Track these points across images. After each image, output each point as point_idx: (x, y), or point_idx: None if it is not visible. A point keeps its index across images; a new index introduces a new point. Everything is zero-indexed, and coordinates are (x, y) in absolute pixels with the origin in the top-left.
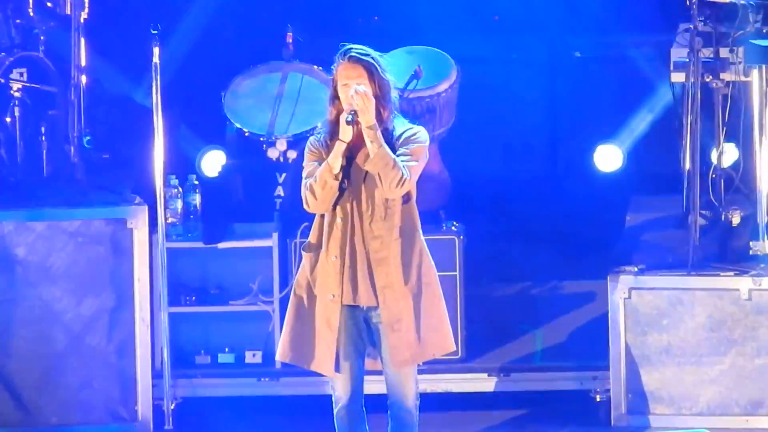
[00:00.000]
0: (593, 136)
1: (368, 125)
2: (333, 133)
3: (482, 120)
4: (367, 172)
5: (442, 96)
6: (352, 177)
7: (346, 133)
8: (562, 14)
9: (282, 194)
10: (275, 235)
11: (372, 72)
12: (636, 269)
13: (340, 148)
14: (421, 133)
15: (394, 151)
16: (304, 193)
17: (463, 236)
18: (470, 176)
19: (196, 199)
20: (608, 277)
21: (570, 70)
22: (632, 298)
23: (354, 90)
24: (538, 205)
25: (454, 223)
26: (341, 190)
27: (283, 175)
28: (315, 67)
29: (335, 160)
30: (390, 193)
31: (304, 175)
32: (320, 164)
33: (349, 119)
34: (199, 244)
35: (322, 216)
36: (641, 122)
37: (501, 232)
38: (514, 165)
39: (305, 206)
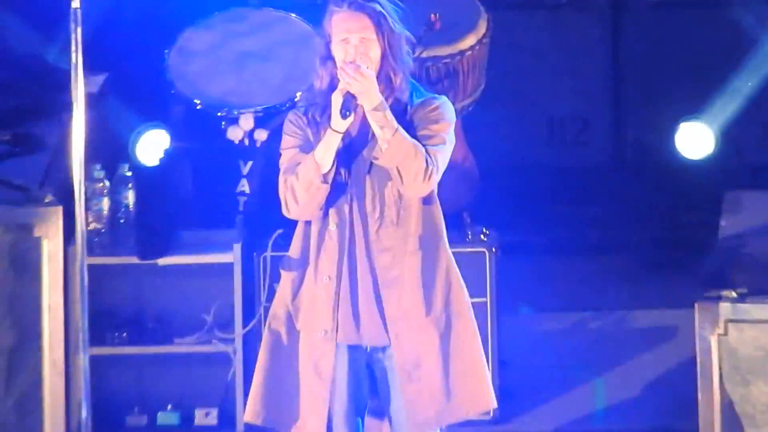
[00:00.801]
0: (674, 111)
1: (373, 107)
2: (324, 105)
3: (522, 88)
4: (371, 164)
5: (466, 55)
6: (351, 166)
7: (339, 122)
8: None
9: (247, 190)
10: (238, 247)
11: (381, 23)
12: (734, 294)
13: (331, 140)
14: (446, 105)
15: (410, 130)
16: (284, 194)
17: (495, 248)
18: (505, 165)
19: (129, 198)
20: (696, 305)
21: (641, 19)
22: (730, 334)
23: (347, 68)
24: (599, 205)
25: (484, 230)
26: (337, 184)
27: (249, 164)
28: (293, 15)
29: (325, 154)
30: (414, 191)
31: (282, 166)
32: (304, 151)
33: (344, 111)
34: (134, 260)
35: (308, 221)
36: (739, 92)
37: (548, 243)
38: (565, 150)
39: (285, 211)
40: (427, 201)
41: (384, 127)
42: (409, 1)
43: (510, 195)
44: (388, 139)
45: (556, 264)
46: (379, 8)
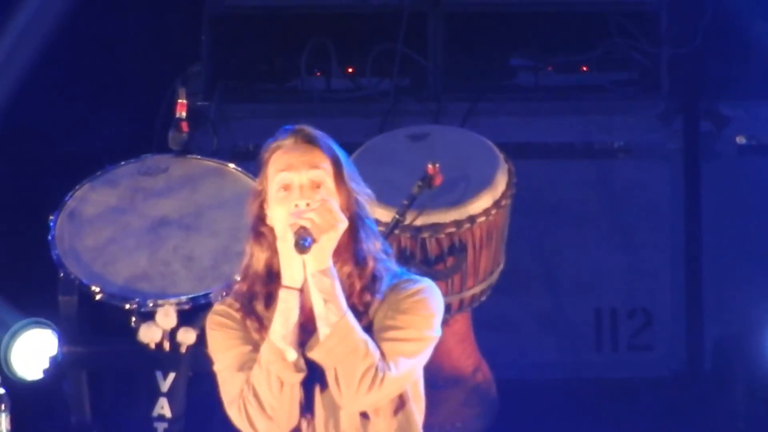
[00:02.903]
0: None
1: (322, 268)
2: (267, 293)
3: (558, 268)
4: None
5: (478, 222)
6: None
7: (294, 268)
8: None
9: (168, 414)
10: None
11: (340, 168)
12: None
13: (289, 306)
14: (428, 291)
15: (371, 325)
16: (243, 410)
17: None
18: (535, 378)
19: (1, 425)
20: None
21: (727, 173)
22: None
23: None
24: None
25: None
26: None
27: (170, 376)
28: (231, 166)
29: (286, 330)
30: (352, 403)
31: (226, 374)
32: (254, 348)
33: (302, 243)
34: None
35: None
36: None
37: None
38: (619, 356)
39: (250, 431)
40: (402, 422)
41: (329, 302)
42: (397, 145)
43: (542, 420)
44: (333, 322)
45: None
46: (336, 153)
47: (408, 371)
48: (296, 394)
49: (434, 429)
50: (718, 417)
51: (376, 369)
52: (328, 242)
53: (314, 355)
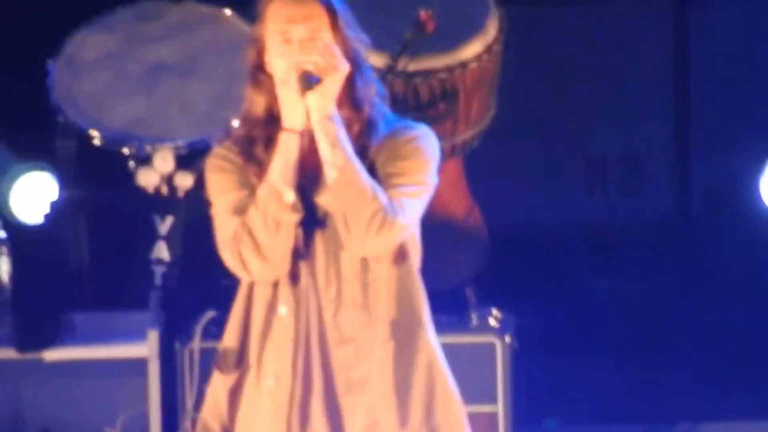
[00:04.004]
0: (758, 147)
1: (325, 114)
2: (267, 137)
3: (548, 115)
4: (326, 213)
5: (470, 68)
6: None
7: (296, 111)
8: None
9: (166, 257)
10: (154, 336)
11: (336, 17)
12: None
13: (289, 148)
14: (425, 136)
15: (371, 170)
16: (237, 249)
17: (510, 337)
18: (525, 222)
19: (2, 268)
20: None
21: (716, 18)
22: None
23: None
24: (655, 278)
25: (494, 311)
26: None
27: (167, 219)
28: (227, 11)
29: (285, 172)
30: (362, 247)
31: (222, 216)
32: (251, 191)
33: (306, 83)
34: (10, 353)
35: (249, 299)
36: None
37: (583, 330)
38: (608, 201)
39: (243, 273)
40: (401, 270)
41: (336, 147)
42: None
43: (531, 264)
44: (340, 165)
45: (594, 360)
46: (333, 2)
47: (412, 216)
48: (291, 236)
49: (427, 274)
50: (706, 260)
51: (385, 212)
52: (332, 85)
53: (322, 199)
